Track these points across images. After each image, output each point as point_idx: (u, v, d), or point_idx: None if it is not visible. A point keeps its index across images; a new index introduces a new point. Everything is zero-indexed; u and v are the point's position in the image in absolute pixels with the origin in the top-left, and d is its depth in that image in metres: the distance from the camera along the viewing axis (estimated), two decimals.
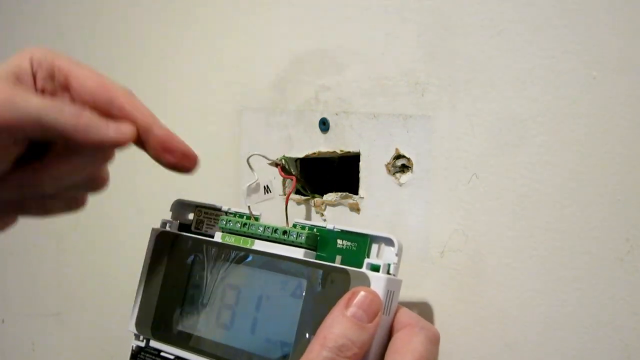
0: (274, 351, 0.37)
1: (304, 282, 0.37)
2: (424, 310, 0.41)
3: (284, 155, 0.47)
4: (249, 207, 0.42)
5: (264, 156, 0.44)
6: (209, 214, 0.43)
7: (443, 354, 0.39)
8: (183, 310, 0.41)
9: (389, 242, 0.36)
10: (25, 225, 0.70)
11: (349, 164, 0.45)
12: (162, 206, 0.46)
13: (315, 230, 0.39)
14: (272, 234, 0.39)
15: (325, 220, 0.45)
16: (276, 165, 0.45)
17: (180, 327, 0.41)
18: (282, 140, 0.47)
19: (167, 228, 0.44)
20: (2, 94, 0.31)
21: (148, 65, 0.57)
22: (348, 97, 0.44)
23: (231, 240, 0.41)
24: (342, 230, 0.38)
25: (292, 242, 0.38)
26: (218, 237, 0.41)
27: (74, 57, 0.36)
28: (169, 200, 0.45)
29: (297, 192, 0.46)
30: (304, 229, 0.39)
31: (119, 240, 0.61)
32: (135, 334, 0.43)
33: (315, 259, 0.38)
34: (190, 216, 0.44)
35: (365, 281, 0.35)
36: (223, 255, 0.40)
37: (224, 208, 0.43)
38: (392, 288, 0.35)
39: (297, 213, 0.46)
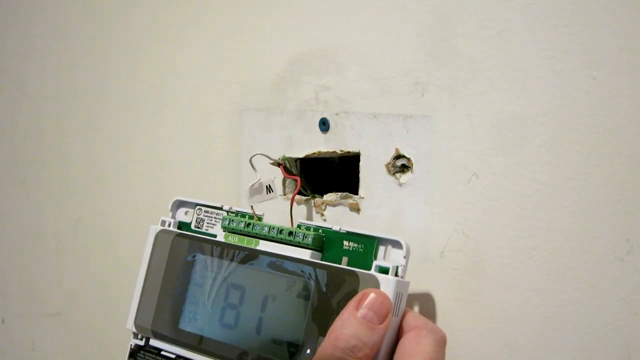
0: (281, 352, 0.37)
1: (312, 283, 0.37)
2: (424, 310, 0.41)
3: (284, 155, 0.47)
4: (251, 207, 0.42)
5: (266, 156, 0.44)
6: (209, 212, 0.43)
7: None
8: (184, 310, 0.41)
9: (396, 244, 0.36)
10: (25, 225, 0.70)
11: (349, 164, 0.45)
12: (161, 206, 0.46)
13: (321, 231, 0.39)
14: (277, 234, 0.39)
15: (325, 220, 0.45)
16: (278, 165, 0.45)
17: (181, 326, 0.41)
18: (282, 140, 0.47)
19: (167, 226, 0.44)
20: None
21: (148, 65, 0.57)
22: (348, 97, 0.44)
23: (235, 239, 0.41)
24: (348, 232, 0.38)
25: (299, 243, 0.38)
26: (220, 236, 0.41)
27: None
28: (168, 200, 0.45)
29: (298, 192, 0.46)
30: (310, 230, 0.39)
31: (118, 240, 0.61)
32: (134, 333, 0.43)
33: (322, 260, 0.38)
34: (190, 215, 0.44)
35: (374, 283, 0.35)
36: (226, 255, 0.40)
37: (225, 207, 0.43)
38: (401, 290, 0.35)
39: (297, 213, 0.46)
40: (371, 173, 0.43)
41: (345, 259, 0.38)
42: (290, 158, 0.47)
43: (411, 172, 0.41)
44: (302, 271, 0.37)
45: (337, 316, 0.35)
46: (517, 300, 0.37)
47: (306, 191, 0.46)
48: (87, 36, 0.63)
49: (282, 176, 0.47)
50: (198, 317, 0.41)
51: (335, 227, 0.38)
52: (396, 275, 0.35)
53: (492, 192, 0.38)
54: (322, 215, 0.45)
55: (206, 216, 0.44)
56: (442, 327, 0.37)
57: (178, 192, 0.45)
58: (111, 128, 0.61)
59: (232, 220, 0.41)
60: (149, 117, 0.58)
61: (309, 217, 0.46)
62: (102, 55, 0.62)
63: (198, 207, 0.44)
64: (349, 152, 0.44)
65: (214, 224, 0.43)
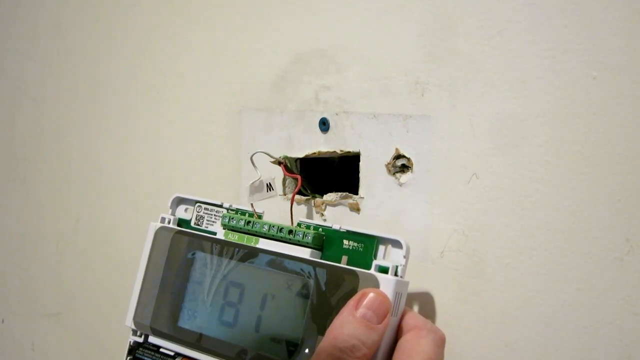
0: (280, 350, 0.37)
1: (311, 282, 0.37)
2: (423, 310, 0.41)
3: (284, 155, 0.47)
4: (252, 204, 0.42)
5: (267, 154, 0.44)
6: (209, 210, 0.43)
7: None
8: (184, 307, 0.41)
9: (396, 243, 0.36)
10: (25, 225, 0.70)
11: (349, 164, 0.45)
12: (160, 205, 0.46)
13: (321, 230, 0.39)
14: (277, 232, 0.39)
15: (325, 220, 0.45)
16: (279, 163, 0.45)
17: (180, 324, 0.41)
18: (282, 140, 0.47)
19: (167, 224, 0.44)
20: None
21: (148, 65, 0.57)
22: (348, 97, 0.44)
23: (235, 237, 0.41)
24: (348, 231, 0.38)
25: (298, 241, 0.38)
26: (220, 233, 0.41)
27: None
28: (167, 198, 0.45)
29: (298, 192, 0.46)
30: (310, 229, 0.39)
31: (118, 239, 0.61)
32: (133, 330, 0.43)
33: (321, 259, 0.38)
34: (190, 212, 0.44)
35: (374, 283, 0.35)
36: (225, 252, 0.40)
37: (225, 204, 0.43)
38: (400, 290, 0.35)
39: (297, 213, 0.46)
40: (371, 173, 0.43)
41: (345, 258, 0.38)
42: (290, 158, 0.47)
43: (411, 172, 0.41)
44: (301, 270, 0.37)
45: (336, 315, 0.35)
46: (517, 300, 0.37)
47: (306, 191, 0.46)
48: (87, 36, 0.63)
49: (282, 175, 0.47)
50: (197, 315, 0.40)
51: (336, 226, 0.38)
52: (396, 274, 0.35)
53: (492, 192, 0.38)
54: (322, 215, 0.45)
55: (206, 213, 0.43)
56: (442, 327, 0.37)
57: (178, 192, 0.45)
58: (111, 128, 0.61)
59: (232, 218, 0.41)
60: (149, 117, 0.58)
61: (309, 217, 0.46)
62: (102, 55, 0.62)
63: (198, 204, 0.44)
64: (349, 152, 0.44)
65: (213, 222, 0.43)
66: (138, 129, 0.58)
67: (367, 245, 0.37)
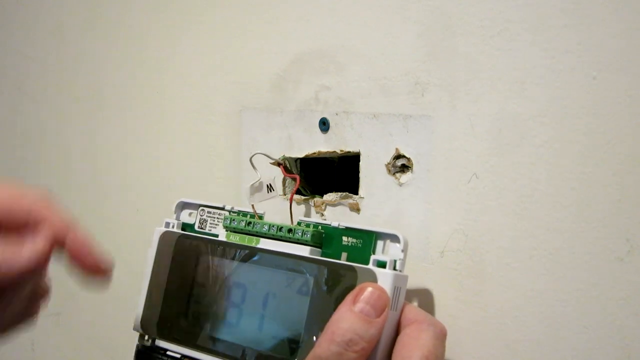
0: (282, 348, 0.37)
1: (311, 280, 0.37)
2: (423, 310, 0.41)
3: (284, 155, 0.47)
4: (252, 205, 0.42)
5: (266, 155, 0.44)
6: (212, 213, 0.44)
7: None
8: (189, 309, 0.41)
9: (394, 238, 0.36)
10: None
11: (349, 164, 0.45)
12: (161, 206, 0.46)
13: (320, 227, 0.39)
14: (277, 232, 0.39)
15: (325, 220, 0.45)
16: (278, 164, 0.45)
17: (186, 326, 0.41)
18: (282, 140, 0.47)
19: (171, 228, 0.44)
20: None
21: (148, 65, 0.57)
22: (348, 97, 0.44)
23: (236, 238, 0.41)
24: (347, 228, 0.38)
25: (298, 239, 0.39)
26: (222, 235, 0.42)
27: None
28: (168, 200, 0.45)
29: (297, 192, 0.46)
30: (309, 227, 0.39)
31: (118, 240, 0.61)
32: (140, 334, 0.43)
33: (321, 256, 0.38)
34: (194, 216, 0.44)
35: (372, 277, 0.35)
36: (228, 254, 0.40)
37: (227, 207, 0.43)
38: (399, 284, 0.35)
39: (297, 213, 0.46)
40: (371, 173, 0.43)
41: (344, 255, 0.38)
42: (290, 158, 0.47)
43: (411, 172, 0.41)
44: (301, 268, 0.37)
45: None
46: (517, 300, 0.37)
47: (306, 191, 0.46)
48: (87, 36, 0.63)
49: (282, 176, 0.47)
50: (202, 317, 0.41)
51: (334, 224, 0.39)
52: (394, 269, 0.35)
53: (492, 192, 0.38)
54: (322, 215, 0.45)
55: (209, 216, 0.44)
56: None
57: (178, 192, 0.45)
58: (111, 128, 0.61)
59: (234, 220, 0.41)
60: (149, 117, 0.58)
61: (309, 217, 0.46)
62: (102, 55, 0.62)
63: (201, 208, 0.44)
64: (349, 152, 0.44)
65: (216, 224, 0.43)
66: (138, 128, 0.58)
67: (366, 241, 0.37)
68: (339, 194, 0.44)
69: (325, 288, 0.36)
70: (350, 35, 0.43)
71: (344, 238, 0.38)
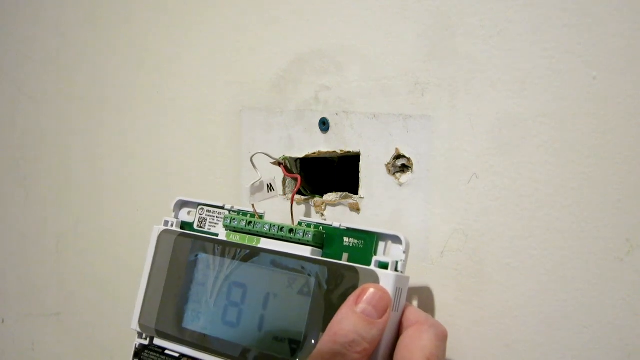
0: (283, 348, 0.37)
1: (312, 280, 0.37)
2: (423, 310, 0.41)
3: (284, 155, 0.47)
4: (252, 205, 0.42)
5: (267, 155, 0.44)
6: (211, 212, 0.44)
7: None
8: (188, 308, 0.41)
9: (396, 239, 0.36)
10: (25, 225, 0.70)
11: (349, 164, 0.45)
12: (161, 206, 0.46)
13: (321, 228, 0.39)
14: (278, 232, 0.39)
15: (325, 220, 0.45)
16: (279, 164, 0.45)
17: (185, 325, 0.41)
18: (282, 140, 0.47)
19: (170, 227, 0.44)
20: None
21: (148, 65, 0.57)
22: (348, 97, 0.44)
23: (236, 238, 0.41)
24: (348, 228, 0.38)
25: (299, 240, 0.39)
26: (222, 235, 0.42)
27: None
28: (168, 200, 0.45)
29: (297, 192, 0.46)
30: (311, 227, 0.39)
31: (118, 239, 0.61)
32: (138, 332, 0.43)
33: (322, 257, 0.38)
34: (193, 215, 0.44)
35: (374, 278, 0.35)
36: (228, 253, 0.40)
37: (227, 206, 0.43)
38: (401, 285, 0.35)
39: (297, 213, 0.46)
40: (371, 173, 0.43)
41: (345, 255, 0.38)
42: (290, 158, 0.47)
43: (411, 172, 0.41)
44: (302, 268, 0.37)
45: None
46: (517, 300, 0.37)
47: (306, 191, 0.46)
48: (87, 36, 0.63)
49: (282, 176, 0.47)
50: (201, 316, 0.41)
51: (336, 224, 0.39)
52: (396, 270, 0.36)
53: (492, 192, 0.38)
54: (322, 215, 0.45)
55: (208, 215, 0.44)
56: None
57: (178, 192, 0.45)
58: (111, 128, 0.61)
59: (234, 219, 0.41)
60: (149, 117, 0.58)
61: (309, 217, 0.46)
62: (102, 55, 0.62)
63: (200, 206, 0.44)
64: (349, 152, 0.44)
65: (216, 223, 0.43)
66: (138, 128, 0.58)
67: (367, 242, 0.37)
68: (339, 194, 0.44)
69: (326, 288, 0.36)
70: (350, 35, 0.43)
71: (345, 239, 0.38)
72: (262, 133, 0.48)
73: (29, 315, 0.71)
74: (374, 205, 0.43)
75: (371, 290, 0.34)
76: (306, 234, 0.38)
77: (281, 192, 0.48)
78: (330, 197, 0.45)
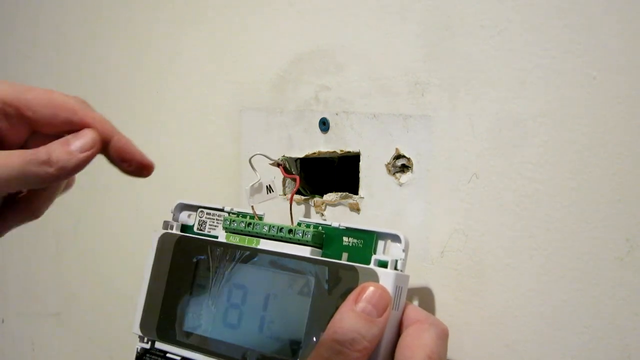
0: (284, 349, 0.37)
1: (312, 280, 0.37)
2: (424, 310, 0.41)
3: (284, 155, 0.47)
4: (252, 206, 0.42)
5: (266, 156, 0.44)
6: (211, 214, 0.44)
7: None
8: (188, 311, 0.41)
9: (395, 238, 0.37)
10: (25, 225, 0.70)
11: (349, 164, 0.45)
12: (161, 207, 0.46)
13: (320, 228, 0.39)
14: (277, 232, 0.39)
15: (325, 220, 0.45)
16: (278, 165, 0.45)
17: (186, 328, 0.41)
18: (282, 140, 0.47)
19: (170, 229, 0.44)
20: None
21: (148, 65, 0.57)
22: (348, 97, 0.44)
23: (236, 240, 0.41)
24: (347, 228, 0.38)
25: (298, 240, 0.39)
26: (222, 237, 0.42)
27: (15, 82, 0.34)
28: (168, 201, 0.45)
29: (297, 192, 0.46)
30: (310, 227, 0.39)
31: (118, 240, 0.61)
32: (140, 336, 0.43)
33: (322, 257, 0.38)
34: (193, 217, 0.44)
35: (373, 277, 0.35)
36: (228, 255, 0.40)
37: (227, 208, 0.43)
38: (401, 284, 0.35)
39: (297, 213, 0.46)
40: (371, 173, 0.43)
41: (345, 255, 0.38)
42: (290, 158, 0.47)
43: (411, 172, 0.41)
44: (302, 268, 0.37)
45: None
46: (517, 300, 0.37)
47: (306, 191, 0.46)
48: (87, 36, 0.63)
49: (281, 176, 0.47)
50: (202, 319, 0.41)
51: (335, 224, 0.39)
52: (395, 268, 0.36)
53: (492, 192, 0.38)
54: (322, 215, 0.45)
55: (208, 218, 0.44)
56: None
57: (178, 192, 0.45)
58: None
59: (233, 221, 0.41)
60: (149, 117, 0.58)
61: (309, 217, 0.46)
62: (101, 55, 0.62)
63: (200, 209, 0.44)
64: (349, 152, 0.44)
65: (216, 226, 0.43)
66: (138, 128, 0.58)
67: (367, 241, 0.37)
68: (339, 194, 0.44)
69: (326, 288, 0.36)
70: (350, 35, 0.43)
71: (345, 238, 0.38)
72: (262, 133, 0.48)
73: (29, 315, 0.71)
74: (374, 205, 0.43)
75: (371, 288, 0.34)
76: (305, 234, 0.38)
77: (281, 193, 0.48)
78: (330, 197, 0.45)
